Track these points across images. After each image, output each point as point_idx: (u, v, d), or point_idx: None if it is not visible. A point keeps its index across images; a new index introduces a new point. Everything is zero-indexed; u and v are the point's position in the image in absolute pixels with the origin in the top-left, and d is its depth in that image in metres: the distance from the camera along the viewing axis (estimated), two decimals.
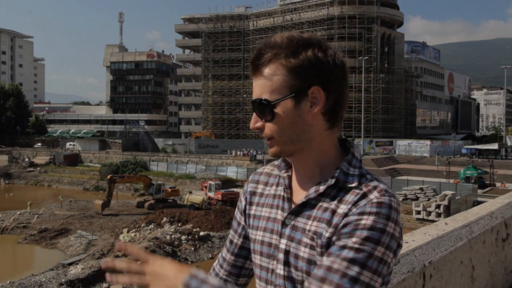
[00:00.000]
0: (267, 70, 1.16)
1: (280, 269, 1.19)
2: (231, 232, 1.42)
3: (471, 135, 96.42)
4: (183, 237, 28.24)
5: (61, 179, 60.63)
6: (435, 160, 53.97)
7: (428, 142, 68.97)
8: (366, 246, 1.04)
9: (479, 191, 37.20)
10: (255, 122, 1.20)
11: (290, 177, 1.27)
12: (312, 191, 1.17)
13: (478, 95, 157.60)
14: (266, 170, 1.38)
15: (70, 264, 24.69)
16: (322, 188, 1.16)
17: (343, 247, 1.05)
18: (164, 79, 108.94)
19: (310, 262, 1.13)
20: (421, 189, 38.42)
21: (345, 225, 1.08)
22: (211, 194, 40.12)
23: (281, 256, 1.19)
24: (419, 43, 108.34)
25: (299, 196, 1.22)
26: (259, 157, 58.38)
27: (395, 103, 77.35)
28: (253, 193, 1.36)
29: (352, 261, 1.03)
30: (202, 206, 38.01)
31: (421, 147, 67.26)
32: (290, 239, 1.18)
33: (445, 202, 32.02)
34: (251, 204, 1.35)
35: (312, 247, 1.13)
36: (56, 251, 29.31)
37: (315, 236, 1.13)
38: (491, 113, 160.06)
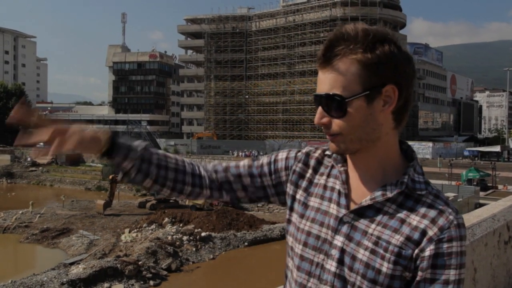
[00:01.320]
0: (340, 64, 1.10)
1: (331, 265, 1.15)
2: (257, 164, 1.38)
3: (473, 137, 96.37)
4: (185, 238, 28.24)
5: (63, 178, 60.71)
6: (437, 162, 53.88)
7: (430, 144, 68.93)
8: (461, 274, 1.08)
9: (481, 193, 37.08)
10: (321, 117, 1.14)
11: (346, 172, 1.23)
12: (379, 195, 1.13)
13: (481, 97, 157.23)
14: (317, 155, 1.32)
15: (72, 263, 24.73)
16: (390, 193, 1.13)
17: (447, 282, 1.06)
18: (166, 79, 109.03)
19: (368, 266, 1.10)
20: None
21: (437, 255, 1.07)
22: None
23: (334, 252, 1.15)
24: (422, 44, 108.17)
25: (358, 194, 1.18)
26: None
27: None
28: (301, 176, 1.31)
29: None
30: (203, 207, 38.01)
31: (423, 149, 67.22)
32: (348, 238, 1.14)
33: None
34: (297, 186, 1.31)
35: (373, 251, 1.10)
36: (58, 251, 29.33)
37: (379, 241, 1.10)
38: (494, 115, 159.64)
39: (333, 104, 1.11)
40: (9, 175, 63.97)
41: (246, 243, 29.79)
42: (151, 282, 22.56)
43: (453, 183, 40.53)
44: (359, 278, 1.11)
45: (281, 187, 1.35)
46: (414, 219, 1.10)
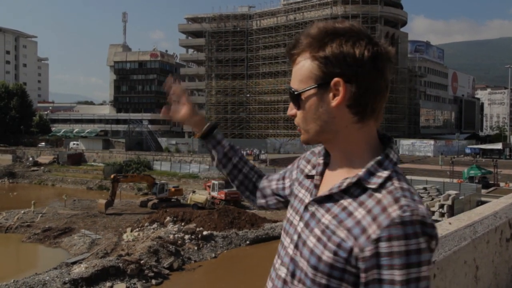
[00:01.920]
0: (299, 59, 1.18)
1: (290, 249, 1.22)
2: (284, 174, 1.56)
3: (475, 134, 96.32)
4: (186, 237, 28.27)
5: (65, 178, 60.77)
6: (438, 160, 53.90)
7: (432, 141, 68.92)
8: (412, 273, 1.02)
9: (483, 191, 37.09)
10: (290, 109, 1.23)
11: (326, 165, 1.29)
12: (336, 186, 1.17)
13: (482, 95, 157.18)
14: (317, 151, 1.41)
15: (74, 263, 24.77)
16: (344, 185, 1.15)
17: (392, 282, 1.02)
18: (167, 78, 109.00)
19: (312, 252, 1.14)
20: (425, 188, 38.31)
21: (377, 254, 1.04)
22: (215, 194, 40.19)
23: (295, 237, 1.21)
24: (423, 42, 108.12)
25: (327, 185, 1.23)
26: (262, 156, 58.40)
27: (399, 103, 77.25)
28: (301, 171, 1.42)
29: None
30: (205, 206, 38.07)
31: (424, 146, 67.24)
32: (306, 225, 1.19)
33: (449, 202, 31.94)
34: (297, 180, 1.41)
35: (319, 239, 1.14)
36: (60, 250, 29.38)
37: (326, 230, 1.13)
38: (495, 113, 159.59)
39: (292, 97, 1.20)
40: (11, 174, 64.07)
41: (247, 242, 29.81)
42: (153, 281, 22.58)
43: (455, 181, 40.50)
44: (305, 263, 1.15)
45: (292, 188, 1.46)
46: (359, 213, 1.09)
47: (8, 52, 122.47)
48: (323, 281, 1.12)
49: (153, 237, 27.82)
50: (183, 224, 31.54)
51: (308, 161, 1.41)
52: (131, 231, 31.24)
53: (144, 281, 22.21)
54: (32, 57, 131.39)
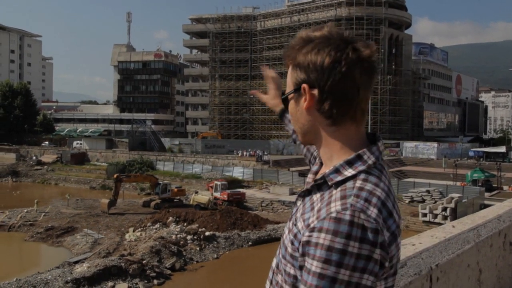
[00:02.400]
0: (289, 66, 1.27)
1: (282, 241, 1.27)
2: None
3: (478, 137, 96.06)
4: (189, 237, 28.28)
5: (68, 177, 60.90)
6: (442, 163, 53.77)
7: (435, 144, 68.72)
8: (328, 270, 1.02)
9: (486, 194, 37.01)
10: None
11: (322, 164, 1.33)
12: (310, 181, 1.27)
13: (486, 98, 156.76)
14: None
15: (76, 262, 24.81)
16: (312, 180, 1.27)
17: (308, 272, 1.05)
18: (171, 79, 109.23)
19: (283, 242, 1.22)
20: (428, 191, 38.25)
21: (307, 242, 1.07)
22: (217, 194, 40.20)
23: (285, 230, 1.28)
24: (427, 44, 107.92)
25: None
26: (265, 157, 58.37)
27: (403, 105, 77.14)
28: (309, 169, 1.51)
29: None
30: (208, 206, 38.08)
31: (428, 149, 67.05)
32: (290, 218, 1.26)
33: (452, 205, 31.87)
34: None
35: (289, 231, 1.21)
36: (62, 249, 29.44)
37: (295, 222, 1.19)
38: (499, 116, 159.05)
39: (282, 101, 1.31)
40: (14, 173, 64.24)
41: (250, 243, 29.79)
42: (155, 281, 22.59)
43: (458, 183, 40.44)
44: (280, 252, 1.24)
45: None
46: (317, 206, 1.14)
47: (12, 51, 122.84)
48: (291, 271, 1.16)
49: (155, 237, 27.84)
50: (185, 224, 31.56)
51: (315, 159, 1.51)
52: (134, 231, 31.28)
53: (146, 281, 22.22)
54: (37, 56, 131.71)
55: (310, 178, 1.34)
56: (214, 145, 70.50)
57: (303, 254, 1.08)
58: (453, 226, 2.83)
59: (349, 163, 1.17)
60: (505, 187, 41.35)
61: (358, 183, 1.12)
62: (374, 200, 1.09)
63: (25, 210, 37.74)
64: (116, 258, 23.56)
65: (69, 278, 20.95)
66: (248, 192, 43.36)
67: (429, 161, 61.14)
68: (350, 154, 1.20)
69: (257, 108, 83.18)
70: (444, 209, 31.92)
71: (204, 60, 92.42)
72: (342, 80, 1.16)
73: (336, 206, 1.07)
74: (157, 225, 31.74)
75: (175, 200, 41.70)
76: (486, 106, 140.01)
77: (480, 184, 39.81)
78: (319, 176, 1.23)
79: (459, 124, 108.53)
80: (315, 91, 1.18)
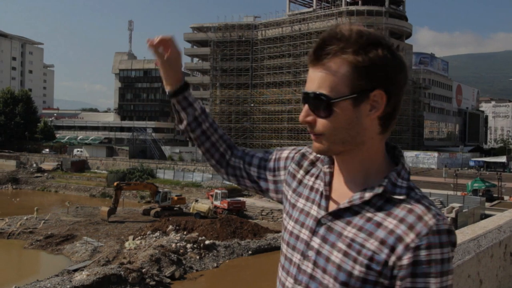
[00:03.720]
0: (330, 64, 1.08)
1: (307, 267, 1.15)
2: (268, 156, 1.45)
3: (479, 147, 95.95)
4: (189, 246, 28.20)
5: (68, 185, 60.85)
6: (442, 172, 53.70)
7: (436, 154, 68.70)
8: (446, 281, 1.04)
9: (487, 204, 36.92)
10: (306, 115, 1.13)
11: (331, 174, 1.23)
12: (357, 197, 1.12)
13: (487, 107, 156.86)
14: (312, 157, 1.33)
15: (75, 270, 24.71)
16: (368, 195, 1.11)
17: None
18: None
19: (340, 268, 1.09)
20: None
21: (416, 263, 1.03)
22: (217, 203, 40.13)
23: (311, 254, 1.15)
24: (428, 54, 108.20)
25: (339, 197, 1.18)
26: None
27: (403, 114, 77.20)
28: (293, 176, 1.34)
29: None
30: (208, 215, 38.00)
31: (428, 158, 67.01)
32: (324, 240, 1.14)
33: (452, 215, 31.77)
34: (289, 186, 1.33)
35: (346, 254, 1.09)
36: (62, 257, 29.34)
37: (353, 244, 1.09)
38: (500, 126, 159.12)
39: (320, 104, 1.09)
40: (14, 180, 64.19)
41: (250, 252, 29.71)
42: None
43: (459, 193, 40.35)
44: (331, 280, 1.10)
45: (280, 185, 1.39)
46: (390, 223, 1.07)
47: (14, 59, 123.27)
48: None
49: (155, 245, 27.76)
50: (185, 233, 31.49)
51: (300, 165, 1.33)
52: (133, 239, 31.19)
53: None
54: (38, 64, 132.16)
55: (327, 191, 1.21)
56: None
57: (409, 276, 1.04)
58: None
59: (398, 174, 1.14)
60: (506, 197, 41.26)
61: (418, 192, 1.13)
62: (438, 209, 1.10)
63: (25, 218, 37.67)
64: (115, 266, 23.48)
65: (68, 286, 20.87)
66: (248, 200, 43.29)
67: (429, 170, 61.06)
68: (386, 163, 1.18)
69: (258, 116, 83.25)
70: None
71: (205, 68, 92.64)
72: (405, 87, 1.13)
73: (430, 219, 1.05)
74: (157, 234, 31.66)
75: (175, 209, 41.62)
76: (487, 116, 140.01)
77: (480, 194, 39.72)
78: (359, 191, 1.13)
79: (459, 133, 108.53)
80: (385, 98, 1.09)
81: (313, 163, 1.32)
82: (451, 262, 1.05)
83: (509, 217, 3.65)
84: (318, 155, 1.31)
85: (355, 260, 1.07)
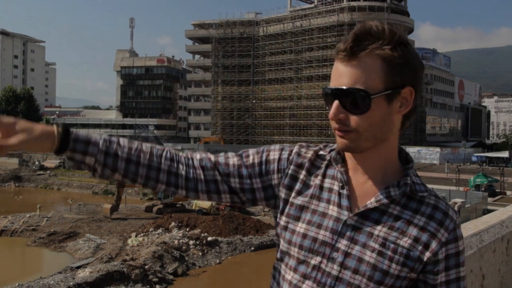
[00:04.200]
0: (367, 59, 1.07)
1: (331, 268, 1.13)
2: (246, 162, 1.26)
3: (481, 142, 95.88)
4: (191, 242, 28.25)
5: (71, 182, 60.95)
6: (444, 168, 53.65)
7: (438, 149, 68.67)
8: (463, 271, 1.16)
9: (489, 199, 36.86)
10: (338, 112, 1.10)
11: (347, 173, 1.20)
12: (384, 197, 1.13)
13: (489, 103, 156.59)
14: (309, 156, 1.25)
15: (78, 267, 24.77)
16: (396, 194, 1.13)
17: (458, 280, 1.15)
18: (174, 84, 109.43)
19: (376, 267, 1.10)
20: None
21: (449, 256, 1.13)
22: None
23: (336, 255, 1.13)
24: (430, 50, 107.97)
25: (360, 196, 1.16)
26: None
27: None
28: (294, 178, 1.24)
29: None
30: (210, 211, 38.01)
31: (430, 154, 66.98)
32: (354, 241, 1.12)
33: (455, 210, 31.78)
34: (290, 189, 1.23)
35: (380, 253, 1.10)
36: (65, 254, 29.42)
37: (386, 243, 1.10)
38: (502, 121, 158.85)
39: (357, 100, 1.07)
40: (17, 178, 64.31)
41: (252, 248, 29.75)
42: (157, 286, 22.55)
43: (461, 189, 40.30)
44: (364, 280, 1.10)
45: (271, 190, 1.26)
46: (420, 220, 1.12)
47: (16, 57, 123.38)
48: None
49: (157, 242, 27.81)
50: (187, 229, 31.53)
51: (300, 166, 1.25)
52: (136, 236, 31.25)
53: (148, 286, 22.19)
54: (40, 62, 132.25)
55: (347, 190, 1.17)
56: (217, 150, 70.26)
57: (446, 269, 1.13)
58: None
59: (414, 171, 1.19)
60: (508, 192, 41.19)
61: (430, 188, 1.20)
62: None
63: (28, 215, 37.73)
64: (118, 263, 23.53)
65: (71, 283, 20.94)
66: None
67: (431, 166, 61.02)
68: (397, 159, 1.21)
69: (260, 113, 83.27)
70: None
71: (207, 65, 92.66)
72: (423, 86, 1.17)
73: (453, 214, 1.14)
74: (160, 230, 31.71)
75: (178, 205, 41.65)
76: (489, 111, 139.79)
77: (483, 189, 39.65)
78: (387, 189, 1.14)
79: (461, 129, 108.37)
80: (413, 94, 1.12)
81: (312, 163, 1.24)
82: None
83: (511, 212, 3.64)
84: (316, 155, 1.25)
85: (391, 259, 1.09)
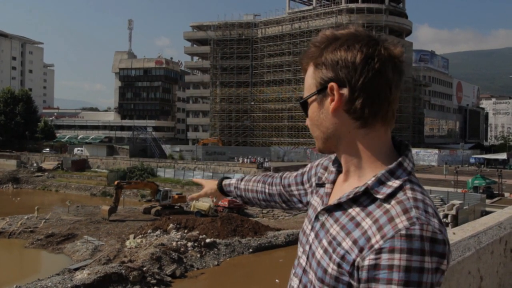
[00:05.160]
0: (307, 68, 1.18)
1: (303, 260, 1.19)
2: (302, 179, 1.54)
3: (479, 144, 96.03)
4: (189, 244, 28.22)
5: (69, 184, 60.88)
6: (443, 169, 53.71)
7: (436, 151, 68.73)
8: None
9: (488, 201, 36.90)
10: (307, 119, 1.22)
11: (338, 172, 1.26)
12: (345, 195, 1.12)
13: (487, 105, 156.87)
14: (334, 158, 1.36)
15: (76, 269, 24.73)
16: (352, 194, 1.10)
17: None
18: (172, 85, 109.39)
19: (319, 264, 1.10)
20: None
21: (378, 266, 0.97)
22: (218, 201, 40.08)
23: (307, 248, 1.18)
24: (428, 52, 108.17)
25: (337, 194, 1.19)
26: (266, 164, 58.35)
27: (403, 112, 77.16)
28: (319, 179, 1.38)
29: None
30: (208, 213, 38.00)
31: (429, 156, 67.05)
32: (316, 235, 1.16)
33: (453, 212, 31.78)
34: (314, 188, 1.39)
35: (325, 251, 1.09)
36: (63, 256, 29.38)
37: (333, 242, 1.08)
38: (500, 123, 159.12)
39: (302, 105, 1.20)
40: (15, 180, 64.22)
41: (250, 250, 29.73)
42: None
43: (459, 190, 40.35)
44: (313, 274, 1.12)
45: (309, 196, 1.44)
46: (366, 224, 1.03)
47: (14, 58, 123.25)
48: None
49: (156, 244, 27.79)
50: (186, 231, 31.51)
51: (326, 168, 1.37)
52: (134, 237, 31.22)
53: None
54: (38, 64, 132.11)
55: (329, 188, 1.26)
56: (215, 152, 70.49)
57: (368, 280, 0.98)
58: (454, 233, 2.82)
59: (392, 173, 1.09)
60: (506, 194, 41.25)
61: (410, 193, 1.05)
62: (430, 209, 1.02)
63: (26, 217, 37.69)
64: (116, 265, 23.50)
65: (69, 285, 20.90)
66: None
67: (430, 168, 61.06)
68: (385, 160, 1.13)
69: (258, 115, 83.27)
70: (445, 216, 31.81)
71: (205, 67, 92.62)
72: (375, 77, 1.08)
73: (402, 222, 0.98)
74: (158, 232, 31.69)
75: (176, 207, 41.64)
76: (487, 113, 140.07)
77: (481, 191, 39.71)
78: (353, 188, 1.12)
79: (460, 131, 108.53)
80: (345, 90, 1.09)
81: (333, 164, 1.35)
82: (428, 273, 0.95)
83: (509, 213, 3.65)
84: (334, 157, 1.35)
85: (330, 258, 1.07)
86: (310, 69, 1.16)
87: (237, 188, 1.83)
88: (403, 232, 0.96)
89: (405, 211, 1.00)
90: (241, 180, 1.83)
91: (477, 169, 58.73)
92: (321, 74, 1.13)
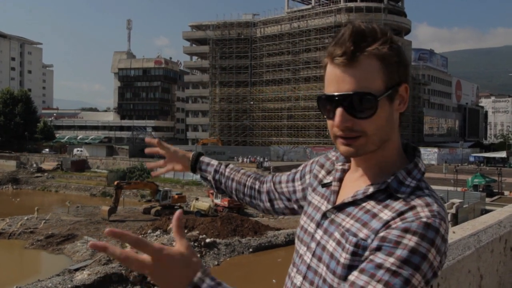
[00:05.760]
0: (367, 62, 1.05)
1: (307, 257, 1.17)
2: (295, 170, 1.52)
3: (479, 143, 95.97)
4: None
5: (68, 184, 60.84)
6: (442, 168, 53.71)
7: (436, 149, 68.75)
8: (404, 270, 0.94)
9: (487, 200, 36.90)
10: (344, 119, 1.07)
11: (344, 171, 1.24)
12: (361, 193, 1.11)
13: (486, 103, 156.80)
14: (333, 158, 1.35)
15: (77, 269, 24.72)
16: (371, 190, 1.09)
17: (379, 266, 0.96)
18: (171, 85, 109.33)
19: (332, 256, 1.09)
20: None
21: (384, 238, 0.98)
22: (218, 201, 40.12)
23: (313, 245, 1.17)
24: (427, 50, 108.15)
25: (348, 192, 1.16)
26: (266, 164, 58.35)
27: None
28: (315, 177, 1.37)
29: (386, 285, 0.94)
30: (208, 213, 38.01)
31: (428, 154, 67.01)
32: (325, 231, 1.14)
33: (453, 211, 31.75)
34: (311, 186, 1.37)
35: (339, 243, 1.08)
36: (63, 257, 29.36)
37: (346, 233, 1.07)
38: (499, 121, 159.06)
39: (364, 104, 1.05)
40: (14, 181, 64.17)
41: (251, 250, 29.73)
42: None
43: (459, 189, 40.35)
44: (324, 268, 1.10)
45: (307, 191, 1.40)
46: (385, 214, 1.03)
47: (13, 59, 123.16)
48: (341, 286, 1.05)
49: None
50: (186, 231, 31.50)
51: (322, 166, 1.36)
52: None
53: None
54: (37, 64, 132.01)
55: (336, 186, 1.23)
56: (215, 152, 70.41)
57: (372, 249, 0.99)
58: (454, 232, 2.82)
59: (409, 172, 1.10)
60: (506, 192, 41.24)
61: (427, 191, 1.07)
62: (443, 212, 1.03)
63: (25, 218, 37.66)
64: (116, 266, 23.50)
65: (69, 285, 20.91)
66: None
67: (429, 166, 61.04)
68: (401, 160, 1.15)
69: (257, 114, 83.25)
70: None
71: (204, 66, 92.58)
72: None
73: (424, 211, 0.99)
74: (158, 232, 31.69)
75: (176, 207, 41.61)
76: (486, 112, 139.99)
77: (481, 189, 39.70)
78: (367, 186, 1.11)
79: (459, 129, 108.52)
80: (408, 90, 1.09)
81: (333, 163, 1.34)
82: (427, 263, 0.96)
83: (509, 212, 3.65)
84: (337, 155, 1.32)
85: (343, 248, 1.06)
86: (374, 62, 1.04)
87: (219, 172, 1.70)
88: (424, 220, 0.98)
89: (427, 204, 1.01)
90: (226, 166, 1.72)
91: (477, 167, 58.74)
92: (395, 71, 1.06)
